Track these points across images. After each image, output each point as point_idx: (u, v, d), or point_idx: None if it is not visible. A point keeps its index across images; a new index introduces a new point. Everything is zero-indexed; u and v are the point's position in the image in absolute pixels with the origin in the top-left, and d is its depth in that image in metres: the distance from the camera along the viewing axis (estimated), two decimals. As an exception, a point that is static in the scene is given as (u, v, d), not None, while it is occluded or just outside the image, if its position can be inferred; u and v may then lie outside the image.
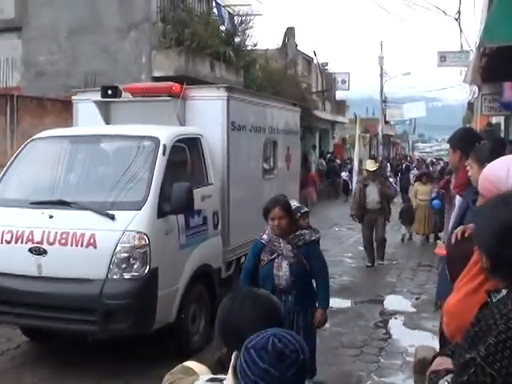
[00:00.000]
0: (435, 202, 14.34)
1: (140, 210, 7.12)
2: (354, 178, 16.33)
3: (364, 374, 7.42)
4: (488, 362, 2.07)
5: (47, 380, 7.28)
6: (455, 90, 66.61)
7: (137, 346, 7.76)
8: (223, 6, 19.67)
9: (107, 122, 9.25)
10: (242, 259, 9.30)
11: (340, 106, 43.50)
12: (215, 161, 8.76)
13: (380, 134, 49.89)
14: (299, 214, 6.25)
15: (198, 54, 16.47)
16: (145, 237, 6.96)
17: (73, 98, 9.89)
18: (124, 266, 6.89)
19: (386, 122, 55.36)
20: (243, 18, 20.28)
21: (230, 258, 9.17)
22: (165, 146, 7.65)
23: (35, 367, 7.65)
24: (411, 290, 11.79)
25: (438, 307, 5.74)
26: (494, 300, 2.35)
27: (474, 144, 5.03)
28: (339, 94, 45.55)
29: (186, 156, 8.16)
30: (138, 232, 6.97)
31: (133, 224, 7.02)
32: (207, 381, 2.29)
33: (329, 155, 37.39)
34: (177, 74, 14.82)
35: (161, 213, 7.25)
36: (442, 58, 27.72)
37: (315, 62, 37.68)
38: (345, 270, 13.59)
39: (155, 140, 7.72)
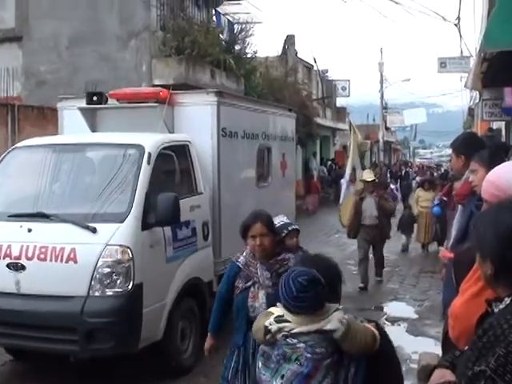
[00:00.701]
0: (435, 208, 13.19)
1: (123, 222, 6.65)
2: (343, 187, 14.83)
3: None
4: (498, 373, 2.02)
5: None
6: (455, 95, 66.70)
7: (125, 364, 7.44)
8: (223, 14, 19.70)
9: (93, 129, 8.79)
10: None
11: (340, 113, 43.45)
12: (205, 169, 8.30)
13: (381, 140, 49.87)
14: (286, 232, 5.26)
15: (199, 62, 16.44)
16: (128, 250, 6.52)
17: (57, 105, 9.45)
18: (106, 281, 6.45)
19: (387, 129, 55.36)
20: (243, 26, 20.29)
21: (222, 270, 8.08)
22: (150, 154, 7.19)
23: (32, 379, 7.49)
24: (414, 296, 11.73)
25: (444, 316, 5.67)
26: (495, 309, 2.29)
27: (478, 149, 4.98)
28: (340, 101, 45.60)
29: (173, 164, 7.69)
30: (121, 245, 6.53)
31: (115, 237, 6.56)
32: (274, 318, 3.26)
33: (329, 162, 37.40)
34: (177, 82, 14.80)
35: (145, 225, 6.79)
36: (442, 64, 27.72)
37: (315, 69, 37.65)
38: (347, 276, 13.21)
39: (140, 148, 7.28)
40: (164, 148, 7.55)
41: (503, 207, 2.45)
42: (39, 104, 14.68)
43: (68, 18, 16.42)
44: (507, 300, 2.25)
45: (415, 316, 10.43)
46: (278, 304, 3.35)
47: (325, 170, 35.28)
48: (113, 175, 7.25)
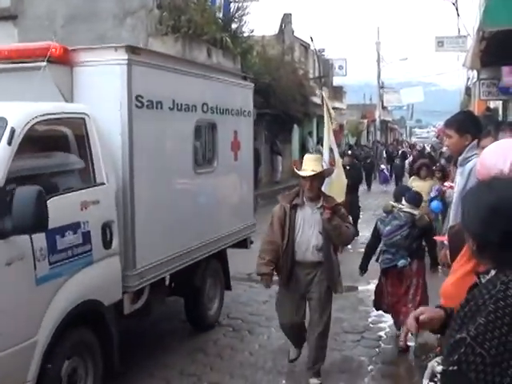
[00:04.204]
0: (434, 203, 10.51)
1: None
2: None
3: (365, 359, 7.40)
4: (478, 341, 2.09)
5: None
6: (452, 75, 66.75)
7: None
8: (219, -8, 19.57)
9: None
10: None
11: (337, 92, 43.43)
12: (111, 151, 6.18)
13: (377, 119, 49.83)
14: None
15: (195, 40, 16.34)
16: None
17: None
18: None
19: (384, 108, 55.35)
20: (240, 5, 20.17)
21: (139, 285, 6.48)
22: (13, 130, 5.00)
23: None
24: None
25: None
26: (483, 281, 2.37)
27: (481, 127, 4.97)
28: (336, 80, 45.59)
29: (57, 145, 5.87)
30: None
31: None
32: (395, 202, 8.01)
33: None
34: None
35: None
36: (440, 43, 27.66)
37: (312, 48, 37.53)
38: (345, 255, 13.42)
39: (0, 122, 5.13)
40: (41, 122, 5.44)
41: (483, 185, 2.52)
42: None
43: (63, -3, 16.27)
44: (493, 272, 2.34)
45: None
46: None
47: (321, 149, 35.18)
48: None
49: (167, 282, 7.74)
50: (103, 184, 5.97)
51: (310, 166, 6.56)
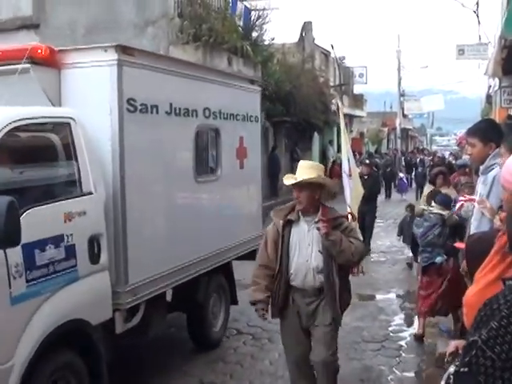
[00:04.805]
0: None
1: None
2: (346, 185, 9.36)
3: (385, 369, 7.26)
4: (489, 345, 2.09)
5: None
6: (472, 82, 66.50)
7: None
8: (240, 1, 19.62)
9: None
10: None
11: (357, 100, 43.31)
12: (101, 158, 5.70)
13: (398, 127, 49.69)
14: None
15: (216, 48, 16.41)
16: None
17: None
18: None
19: (404, 116, 55.18)
20: (260, 13, 20.24)
21: (132, 302, 5.91)
22: None
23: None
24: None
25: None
26: None
27: (502, 135, 4.93)
28: (357, 88, 45.45)
29: (39, 152, 5.47)
30: None
31: None
32: (426, 206, 8.63)
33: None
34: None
35: None
36: (460, 50, 27.46)
37: (333, 55, 37.49)
38: (365, 264, 13.36)
39: None
40: (19, 127, 4.99)
41: None
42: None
43: (85, 6, 16.34)
44: None
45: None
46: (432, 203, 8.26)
47: (341, 156, 35.14)
48: None
49: (169, 298, 7.28)
50: (91, 194, 5.48)
51: (302, 173, 5.41)
